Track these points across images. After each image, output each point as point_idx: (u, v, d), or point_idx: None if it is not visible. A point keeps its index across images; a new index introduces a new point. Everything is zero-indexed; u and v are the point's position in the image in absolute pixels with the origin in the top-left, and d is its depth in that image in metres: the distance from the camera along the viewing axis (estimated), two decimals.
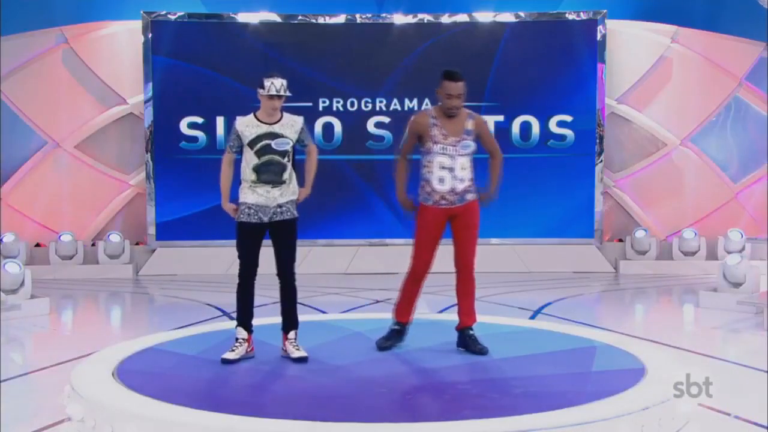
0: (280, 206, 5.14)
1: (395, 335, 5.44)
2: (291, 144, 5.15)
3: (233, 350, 5.10)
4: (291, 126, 5.19)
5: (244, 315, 5.24)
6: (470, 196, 5.32)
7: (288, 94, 5.13)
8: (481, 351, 5.20)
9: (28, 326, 7.41)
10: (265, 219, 5.12)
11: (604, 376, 4.68)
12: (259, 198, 5.12)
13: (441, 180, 5.25)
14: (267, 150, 5.09)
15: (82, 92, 12.38)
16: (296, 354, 5.11)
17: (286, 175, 5.15)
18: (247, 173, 5.13)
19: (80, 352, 5.68)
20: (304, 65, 12.19)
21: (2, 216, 11.76)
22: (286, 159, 5.13)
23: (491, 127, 10.58)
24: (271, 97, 5.07)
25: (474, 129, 5.29)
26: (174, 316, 7.95)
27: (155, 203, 12.19)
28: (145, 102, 12.17)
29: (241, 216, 5.15)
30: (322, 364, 4.98)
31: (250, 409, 3.90)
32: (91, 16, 12.35)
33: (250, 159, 5.11)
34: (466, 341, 5.30)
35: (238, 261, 5.21)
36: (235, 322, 5.26)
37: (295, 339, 5.20)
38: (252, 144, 5.09)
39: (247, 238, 5.17)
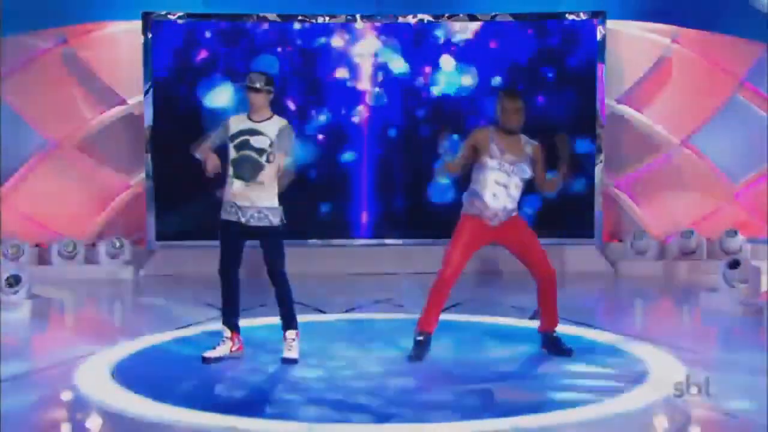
0: (258, 210, 5.10)
1: (420, 346, 5.08)
2: (269, 143, 5.09)
3: (215, 348, 5.12)
4: (274, 126, 5.16)
5: (227, 312, 5.24)
6: (514, 214, 5.23)
7: (258, 85, 5.09)
8: (566, 352, 5.11)
9: (28, 326, 7.41)
10: (243, 219, 5.12)
11: (604, 376, 4.69)
12: (236, 197, 5.11)
13: (495, 196, 5.00)
14: (245, 146, 5.09)
15: (82, 92, 12.37)
16: (286, 354, 5.10)
17: (262, 177, 5.07)
18: (228, 168, 5.17)
19: (80, 352, 5.68)
20: (303, 65, 12.18)
21: (2, 216, 11.75)
22: (264, 158, 5.06)
23: None
24: (248, 89, 5.11)
25: (533, 155, 5.20)
26: (174, 316, 7.94)
27: (155, 203, 12.17)
28: (145, 102, 12.16)
29: (223, 213, 5.20)
30: (321, 365, 4.98)
31: (249, 410, 3.90)
32: (91, 16, 12.32)
33: (230, 154, 5.16)
34: (550, 344, 5.21)
35: None
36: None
37: (293, 339, 5.19)
38: (233, 137, 5.13)
39: (226, 235, 5.22)
